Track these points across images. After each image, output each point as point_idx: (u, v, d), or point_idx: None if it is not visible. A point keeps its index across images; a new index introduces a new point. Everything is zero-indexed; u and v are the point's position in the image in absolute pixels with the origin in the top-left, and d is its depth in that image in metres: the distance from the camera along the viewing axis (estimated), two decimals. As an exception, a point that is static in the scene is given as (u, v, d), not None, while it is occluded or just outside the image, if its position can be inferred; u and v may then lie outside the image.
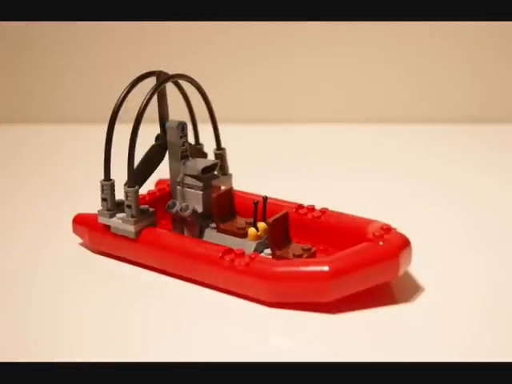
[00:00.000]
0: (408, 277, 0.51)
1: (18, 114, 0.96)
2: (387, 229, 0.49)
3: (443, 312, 0.47)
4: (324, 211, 0.55)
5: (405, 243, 0.48)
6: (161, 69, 0.55)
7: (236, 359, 0.42)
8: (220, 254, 0.50)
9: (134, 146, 0.52)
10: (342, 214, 0.55)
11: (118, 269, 0.54)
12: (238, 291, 0.49)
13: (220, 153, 0.60)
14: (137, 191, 0.53)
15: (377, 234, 0.49)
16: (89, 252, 0.57)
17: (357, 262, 0.47)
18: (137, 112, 0.52)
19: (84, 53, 0.94)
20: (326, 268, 0.46)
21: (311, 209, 0.56)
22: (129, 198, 0.53)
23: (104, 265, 0.55)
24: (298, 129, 0.90)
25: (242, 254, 0.50)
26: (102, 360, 0.43)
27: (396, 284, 0.50)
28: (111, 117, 0.53)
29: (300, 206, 0.56)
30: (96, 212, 0.55)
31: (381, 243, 0.48)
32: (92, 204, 0.56)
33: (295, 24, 0.88)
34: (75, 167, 0.78)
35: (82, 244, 0.58)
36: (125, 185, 0.53)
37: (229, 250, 0.50)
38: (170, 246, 0.52)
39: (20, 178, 0.75)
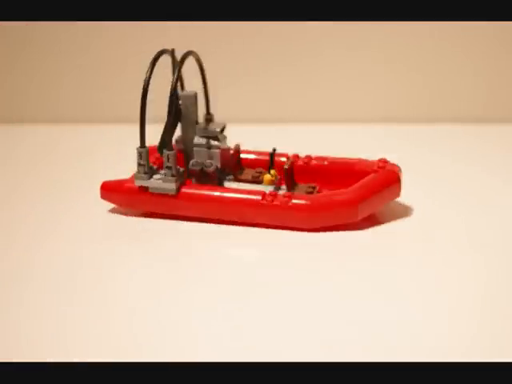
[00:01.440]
0: (408, 276, 0.53)
1: (15, 113, 0.94)
2: (384, 161, 0.64)
3: (443, 312, 0.48)
4: (324, 158, 0.67)
5: (399, 170, 0.63)
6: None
7: (236, 359, 0.43)
8: (261, 197, 0.60)
9: (174, 114, 0.61)
10: (338, 157, 0.67)
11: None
12: (282, 224, 0.60)
13: (209, 118, 0.69)
14: (175, 154, 0.61)
15: (380, 165, 0.63)
16: (86, 252, 0.58)
17: (374, 187, 0.61)
18: (171, 91, 0.61)
19: (81, 53, 0.93)
20: (353, 195, 0.60)
21: (310, 158, 0.68)
22: (170, 160, 0.61)
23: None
24: (298, 129, 0.89)
25: (277, 194, 0.61)
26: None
27: (396, 284, 0.52)
28: (143, 89, 0.61)
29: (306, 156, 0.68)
30: (121, 178, 0.63)
31: (385, 172, 0.62)
32: (91, 202, 0.63)
33: (295, 24, 0.89)
34: (72, 167, 0.78)
35: (77, 242, 0.60)
36: (165, 149, 0.61)
37: (264, 193, 0.61)
38: (213, 196, 0.61)
39: (16, 179, 0.75)
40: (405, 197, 0.65)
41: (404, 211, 0.64)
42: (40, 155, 0.82)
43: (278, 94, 0.92)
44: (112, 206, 0.65)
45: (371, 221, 0.62)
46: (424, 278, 0.52)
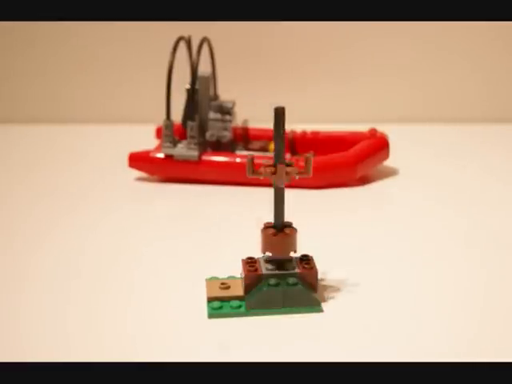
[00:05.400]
0: (408, 276, 0.54)
1: (15, 114, 0.97)
2: (374, 130, 0.74)
3: (442, 312, 0.49)
4: (318, 132, 0.77)
5: (386, 137, 0.74)
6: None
7: (235, 359, 0.44)
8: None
9: (194, 96, 0.71)
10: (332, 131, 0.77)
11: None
12: (291, 184, 0.70)
13: (216, 97, 0.79)
14: (197, 126, 0.70)
15: (372, 133, 0.73)
16: (80, 252, 0.58)
17: (369, 150, 0.71)
18: (192, 72, 0.70)
19: (80, 53, 0.95)
20: (352, 157, 0.70)
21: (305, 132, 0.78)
22: (193, 130, 0.70)
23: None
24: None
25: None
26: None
27: (395, 284, 0.53)
28: (168, 71, 0.69)
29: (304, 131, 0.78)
30: (145, 150, 0.73)
31: (376, 139, 0.73)
32: (88, 200, 0.68)
33: (298, 24, 0.91)
34: (71, 167, 0.80)
35: (70, 243, 0.60)
36: (189, 121, 0.70)
37: (275, 158, 0.71)
38: (230, 162, 0.71)
39: (14, 179, 0.76)
40: (404, 195, 0.70)
41: (403, 207, 0.67)
42: (39, 155, 0.84)
43: (278, 95, 0.91)
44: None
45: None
46: (424, 278, 0.53)
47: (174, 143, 0.71)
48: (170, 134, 0.71)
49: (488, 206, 0.67)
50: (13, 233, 0.62)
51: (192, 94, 0.72)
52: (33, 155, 0.84)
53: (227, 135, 0.74)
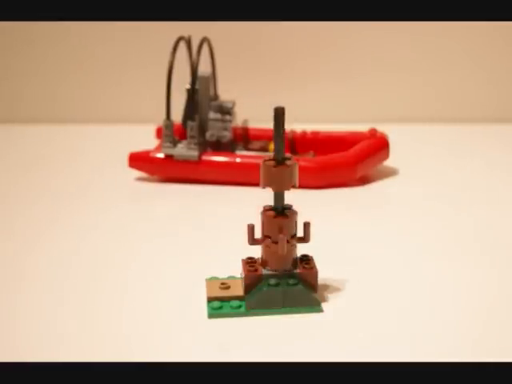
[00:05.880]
0: (408, 276, 0.53)
1: (15, 114, 0.97)
2: (375, 130, 0.74)
3: (443, 311, 0.49)
4: (318, 132, 0.77)
5: (386, 137, 0.74)
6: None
7: (235, 359, 0.43)
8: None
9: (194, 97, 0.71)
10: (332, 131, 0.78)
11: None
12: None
13: (216, 97, 0.79)
14: (197, 126, 0.70)
15: (372, 133, 0.73)
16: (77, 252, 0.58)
17: (369, 150, 0.71)
18: (192, 72, 0.70)
19: (80, 53, 0.95)
20: (352, 157, 0.70)
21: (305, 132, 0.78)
22: (193, 130, 0.70)
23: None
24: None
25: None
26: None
27: (396, 283, 0.52)
28: (168, 71, 0.69)
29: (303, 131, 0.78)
30: (145, 150, 0.72)
31: (376, 139, 0.73)
32: (88, 200, 0.68)
33: (298, 24, 0.91)
34: (71, 167, 0.80)
35: (70, 242, 0.60)
36: (189, 121, 0.70)
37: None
38: (231, 162, 0.71)
39: (13, 179, 0.76)
40: (404, 195, 0.69)
41: (403, 207, 0.67)
42: (39, 155, 0.84)
43: (278, 96, 0.89)
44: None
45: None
46: (424, 278, 0.53)
47: (174, 143, 0.71)
48: (170, 134, 0.71)
49: (488, 205, 0.67)
50: (12, 232, 0.62)
51: (192, 94, 0.72)
52: (32, 155, 0.84)
53: (227, 135, 0.74)
